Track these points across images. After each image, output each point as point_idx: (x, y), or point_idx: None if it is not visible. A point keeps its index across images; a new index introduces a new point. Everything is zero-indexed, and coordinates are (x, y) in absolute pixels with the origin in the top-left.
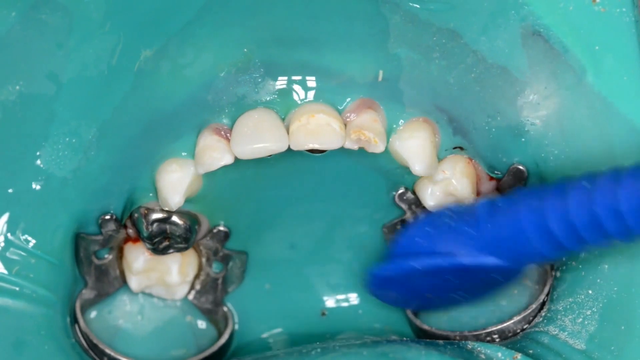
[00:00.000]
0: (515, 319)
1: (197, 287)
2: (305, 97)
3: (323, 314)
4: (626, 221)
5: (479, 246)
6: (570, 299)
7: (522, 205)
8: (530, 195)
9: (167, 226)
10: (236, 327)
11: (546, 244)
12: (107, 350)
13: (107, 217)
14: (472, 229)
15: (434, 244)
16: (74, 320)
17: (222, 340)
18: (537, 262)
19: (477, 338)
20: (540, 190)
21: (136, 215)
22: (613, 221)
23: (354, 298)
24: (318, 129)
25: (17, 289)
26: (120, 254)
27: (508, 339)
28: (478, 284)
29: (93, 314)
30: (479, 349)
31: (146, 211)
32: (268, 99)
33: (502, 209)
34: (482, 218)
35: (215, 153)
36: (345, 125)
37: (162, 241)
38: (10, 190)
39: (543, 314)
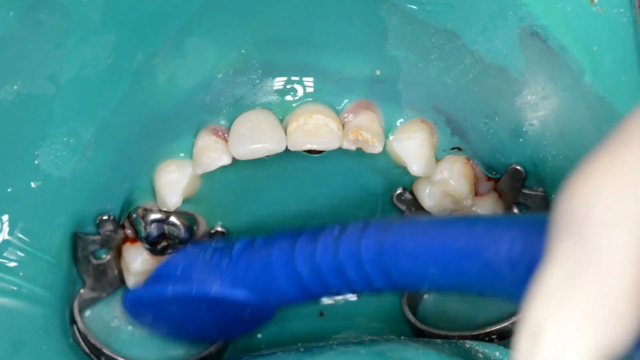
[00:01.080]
0: (515, 319)
1: None
2: (303, 98)
3: (321, 314)
4: (365, 271)
5: (230, 280)
6: None
7: (276, 245)
8: (286, 236)
9: (165, 227)
10: None
11: (293, 285)
12: (105, 350)
13: (105, 217)
14: (227, 264)
15: (189, 273)
16: (72, 320)
17: (221, 341)
18: (287, 303)
19: (476, 338)
20: (296, 233)
21: (134, 215)
22: (354, 270)
23: (352, 298)
24: (316, 129)
25: (15, 288)
26: (118, 254)
27: (507, 339)
28: (233, 319)
29: (91, 313)
30: (477, 348)
31: (144, 212)
32: (266, 100)
33: (258, 246)
34: (237, 253)
35: (213, 154)
36: (343, 125)
37: (160, 241)
38: (8, 190)
39: None
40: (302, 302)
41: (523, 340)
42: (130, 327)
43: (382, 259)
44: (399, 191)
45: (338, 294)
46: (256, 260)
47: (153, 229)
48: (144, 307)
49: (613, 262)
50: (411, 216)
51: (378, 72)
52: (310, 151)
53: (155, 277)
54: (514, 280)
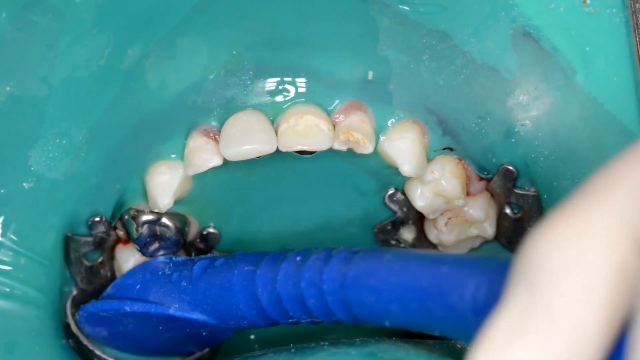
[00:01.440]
0: None
1: None
2: (295, 99)
3: None
4: (327, 302)
5: (189, 302)
6: None
7: (237, 269)
8: (247, 259)
9: (157, 228)
10: None
11: (253, 311)
12: (97, 352)
13: (97, 219)
14: (187, 283)
15: (148, 291)
16: (65, 321)
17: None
18: (246, 327)
19: None
20: (258, 257)
21: (126, 217)
22: (315, 300)
23: None
24: (306, 130)
25: (8, 290)
26: (111, 256)
27: None
28: (189, 337)
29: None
30: (468, 348)
31: (136, 213)
32: (257, 101)
33: (217, 269)
34: (198, 274)
35: (204, 155)
36: (334, 126)
37: (152, 243)
38: (0, 192)
39: None
40: (261, 327)
41: None
42: None
43: (344, 292)
44: (390, 191)
45: (297, 322)
46: (216, 283)
47: (145, 230)
48: (99, 322)
49: (560, 309)
50: (376, 248)
51: (370, 77)
52: (301, 152)
53: (113, 291)
54: (477, 324)
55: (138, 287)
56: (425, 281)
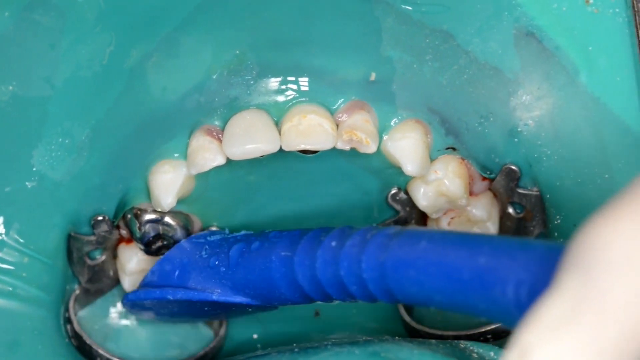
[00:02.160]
0: None
1: None
2: (298, 98)
3: (316, 314)
4: (369, 289)
5: (230, 286)
6: None
7: (274, 254)
8: (283, 241)
9: (160, 227)
10: (229, 327)
11: (296, 294)
12: (100, 351)
13: (100, 218)
14: (226, 268)
15: (187, 276)
16: (67, 320)
17: (216, 341)
18: (291, 304)
19: (471, 338)
20: (293, 238)
21: (129, 216)
22: (357, 287)
23: None
24: (310, 129)
25: (11, 289)
26: (113, 255)
27: (502, 338)
28: (236, 311)
29: (86, 314)
30: (471, 348)
31: (139, 212)
32: (260, 100)
33: (254, 253)
34: (235, 259)
35: (207, 154)
36: (337, 125)
37: (155, 242)
38: (4, 191)
39: None
40: (307, 303)
41: (511, 356)
42: (125, 327)
43: (384, 282)
44: (393, 191)
45: (343, 301)
46: (255, 269)
47: (148, 229)
48: (144, 308)
49: (615, 302)
50: (410, 232)
51: (372, 78)
52: (304, 151)
53: (154, 278)
54: (522, 317)
55: (177, 273)
56: (465, 273)
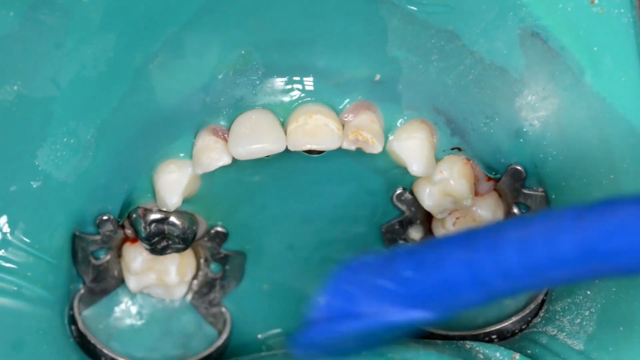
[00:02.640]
0: (514, 319)
1: (195, 287)
2: (304, 98)
3: None
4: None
5: (405, 302)
6: (568, 300)
7: (450, 258)
8: (456, 246)
9: (165, 227)
10: (234, 327)
11: (479, 294)
12: (105, 350)
13: (105, 217)
14: (395, 284)
15: (357, 304)
16: (72, 319)
17: (220, 341)
18: (466, 309)
19: (476, 338)
20: (463, 242)
21: (134, 215)
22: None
23: None
24: (316, 129)
25: (16, 288)
26: (119, 254)
27: (507, 339)
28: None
29: (91, 313)
30: (477, 348)
31: (144, 212)
32: (266, 100)
33: (425, 261)
34: (403, 271)
35: (213, 154)
36: (343, 126)
37: (160, 242)
38: (9, 190)
39: (542, 314)
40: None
41: None
42: (129, 327)
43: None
44: (398, 191)
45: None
46: (429, 276)
47: (153, 229)
48: (317, 347)
49: None
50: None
51: (377, 78)
52: (310, 151)
53: (319, 318)
54: None
55: (345, 303)
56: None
